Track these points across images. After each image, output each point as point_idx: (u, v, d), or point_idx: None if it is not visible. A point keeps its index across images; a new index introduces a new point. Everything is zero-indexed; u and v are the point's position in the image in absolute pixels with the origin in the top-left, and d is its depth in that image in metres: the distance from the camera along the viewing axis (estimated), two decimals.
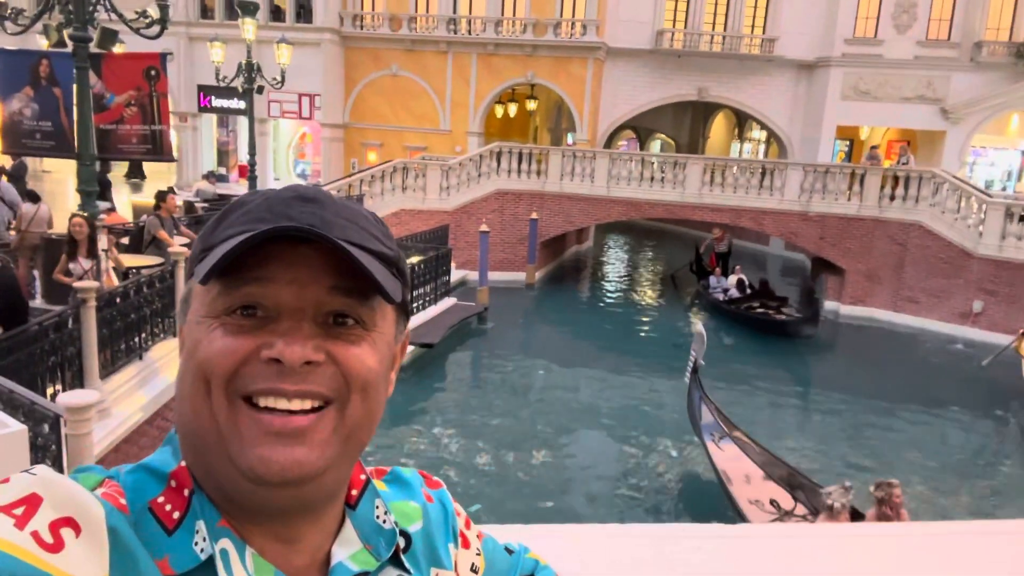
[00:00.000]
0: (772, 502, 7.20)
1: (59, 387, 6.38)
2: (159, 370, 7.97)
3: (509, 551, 0.91)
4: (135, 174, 24.66)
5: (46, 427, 4.91)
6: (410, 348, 12.28)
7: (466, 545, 0.81)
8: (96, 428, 6.09)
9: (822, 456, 9.83)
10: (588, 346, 14.90)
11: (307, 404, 0.62)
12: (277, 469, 0.60)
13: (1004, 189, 22.97)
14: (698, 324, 8.90)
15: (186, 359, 0.64)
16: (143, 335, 7.97)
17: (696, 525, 1.35)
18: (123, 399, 7.25)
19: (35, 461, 4.69)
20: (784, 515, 6.96)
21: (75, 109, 7.93)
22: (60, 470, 5.06)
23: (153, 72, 8.72)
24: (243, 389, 0.61)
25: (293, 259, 0.62)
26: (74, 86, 7.76)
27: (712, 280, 18.25)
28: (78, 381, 6.59)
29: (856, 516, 6.31)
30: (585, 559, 1.19)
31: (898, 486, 6.12)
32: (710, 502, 7.95)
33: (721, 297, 17.41)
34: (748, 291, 17.30)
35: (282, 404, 0.61)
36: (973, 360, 13.90)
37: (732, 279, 17.82)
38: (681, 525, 1.24)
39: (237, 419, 0.61)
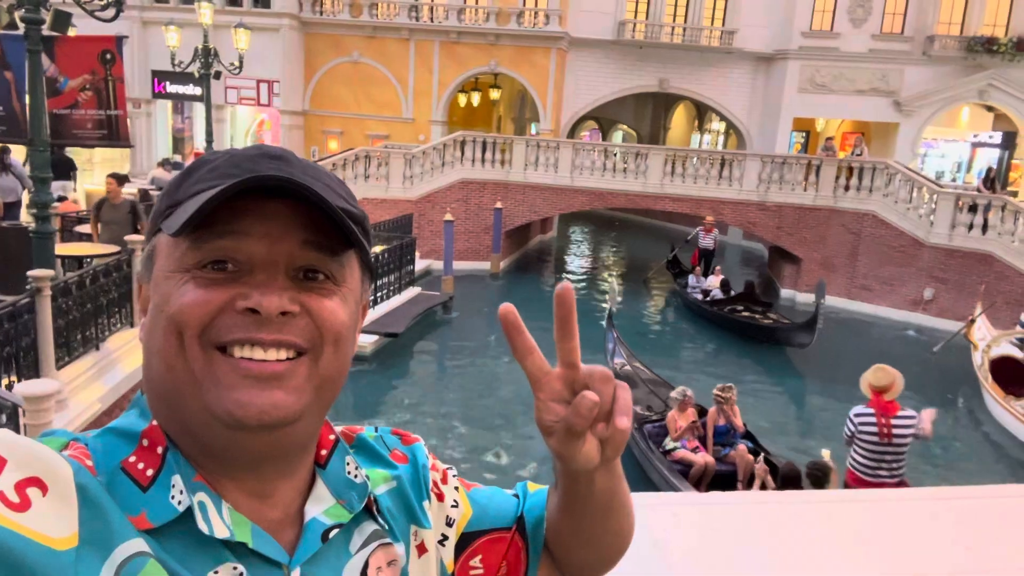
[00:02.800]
0: (648, 407, 9.03)
1: (14, 378, 6.22)
2: (117, 360, 7.81)
3: (516, 496, 0.90)
4: (62, 174, 16.31)
5: (3, 417, 4.79)
6: (375, 338, 12.29)
7: (440, 499, 0.81)
8: (55, 419, 5.96)
9: (779, 435, 10.05)
10: (552, 335, 14.96)
11: (282, 354, 0.63)
12: (255, 412, 0.61)
13: (954, 180, 23.67)
14: (612, 282, 10.32)
15: (155, 315, 0.64)
16: (100, 325, 7.81)
17: (671, 493, 1.40)
18: (80, 390, 7.10)
19: None
20: (654, 415, 8.71)
21: (27, 93, 7.70)
22: None
23: (108, 56, 8.49)
24: (217, 339, 0.62)
25: (265, 213, 0.63)
26: (26, 69, 7.52)
27: (691, 279, 16.95)
28: (33, 372, 6.43)
29: (702, 412, 8.12)
30: None
31: (732, 389, 7.90)
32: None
33: (700, 298, 16.23)
34: (732, 294, 16.09)
35: (258, 354, 0.62)
36: (925, 346, 14.32)
37: (714, 279, 16.54)
38: (657, 493, 1.29)
39: (213, 366, 0.61)
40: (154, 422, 0.65)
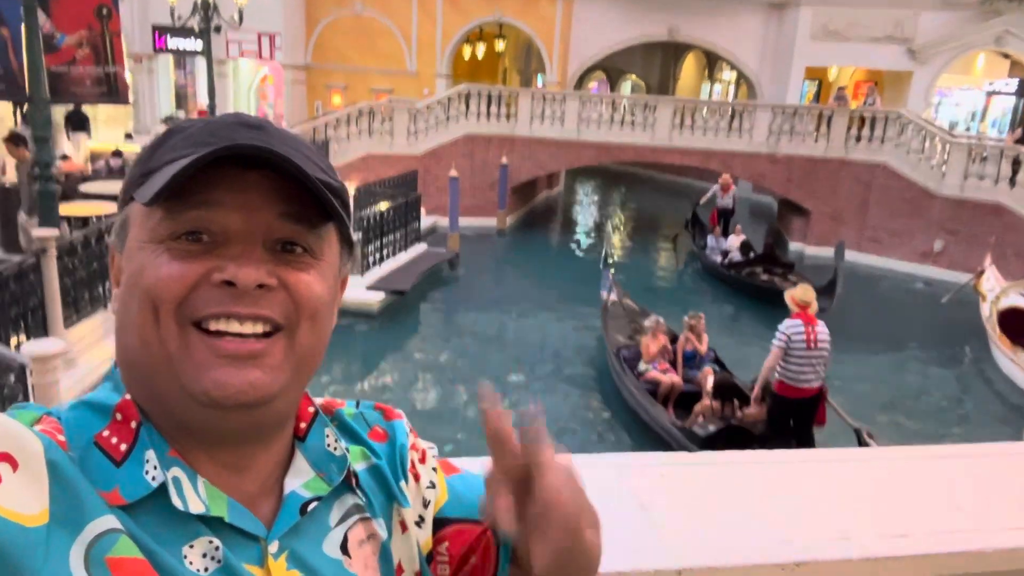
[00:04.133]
0: (630, 336, 9.88)
1: (23, 337, 6.28)
2: None
3: None
4: (78, 126, 16.54)
5: (12, 377, 4.85)
6: (381, 295, 12.32)
7: (417, 479, 0.80)
8: (63, 377, 6.04)
9: None
10: (559, 291, 14.96)
11: (259, 328, 0.62)
12: (232, 392, 0.60)
13: (968, 129, 23.24)
14: (607, 227, 12.72)
15: (129, 287, 0.63)
16: (107, 284, 7.85)
17: (659, 453, 1.40)
18: (89, 348, 7.18)
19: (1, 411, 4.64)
20: (632, 342, 9.58)
21: (24, 50, 7.61)
22: None
23: (104, 11, 8.36)
24: (194, 314, 0.61)
25: (241, 184, 0.62)
26: (22, 26, 7.42)
27: (711, 240, 16.01)
28: (42, 331, 6.50)
29: (674, 340, 8.99)
30: None
31: (701, 318, 8.92)
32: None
33: (719, 260, 15.34)
34: (752, 255, 15.18)
35: (234, 327, 0.61)
36: (933, 298, 14.26)
37: (734, 240, 15.57)
38: (644, 453, 1.29)
39: (188, 344, 0.61)
40: (127, 396, 0.64)
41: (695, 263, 17.10)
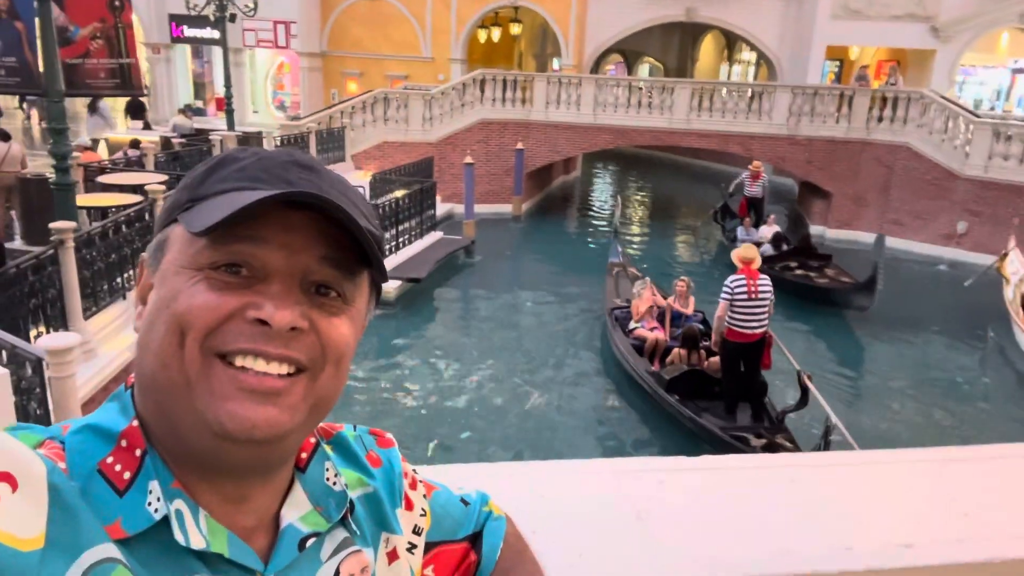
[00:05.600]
0: (627, 300, 10.52)
1: (43, 329, 6.35)
2: None
3: (465, 502, 0.89)
4: (137, 115, 19.21)
5: (29, 370, 4.91)
6: (397, 283, 12.34)
7: (409, 507, 0.81)
8: (83, 369, 6.12)
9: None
10: (576, 277, 14.89)
11: (284, 369, 0.62)
12: (247, 426, 0.60)
13: (992, 108, 22.76)
14: (617, 199, 13.81)
15: (159, 309, 0.62)
16: (126, 275, 7.91)
17: (659, 458, 1.37)
18: (109, 339, 7.26)
19: (20, 404, 4.71)
20: (629, 303, 10.25)
21: (39, 43, 7.64)
22: (46, 412, 5.09)
23: (117, 3, 8.37)
24: (221, 347, 0.60)
25: (288, 223, 0.62)
26: (36, 19, 7.45)
27: (740, 231, 15.24)
28: (61, 323, 6.57)
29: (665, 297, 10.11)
30: (543, 495, 1.20)
31: (686, 281, 10.09)
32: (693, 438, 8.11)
33: None
34: (785, 247, 14.30)
35: (260, 365, 0.61)
36: (956, 281, 14.04)
37: (766, 231, 14.77)
38: (644, 459, 1.27)
39: (210, 373, 0.60)
40: (134, 423, 0.63)
41: (725, 255, 16.68)
